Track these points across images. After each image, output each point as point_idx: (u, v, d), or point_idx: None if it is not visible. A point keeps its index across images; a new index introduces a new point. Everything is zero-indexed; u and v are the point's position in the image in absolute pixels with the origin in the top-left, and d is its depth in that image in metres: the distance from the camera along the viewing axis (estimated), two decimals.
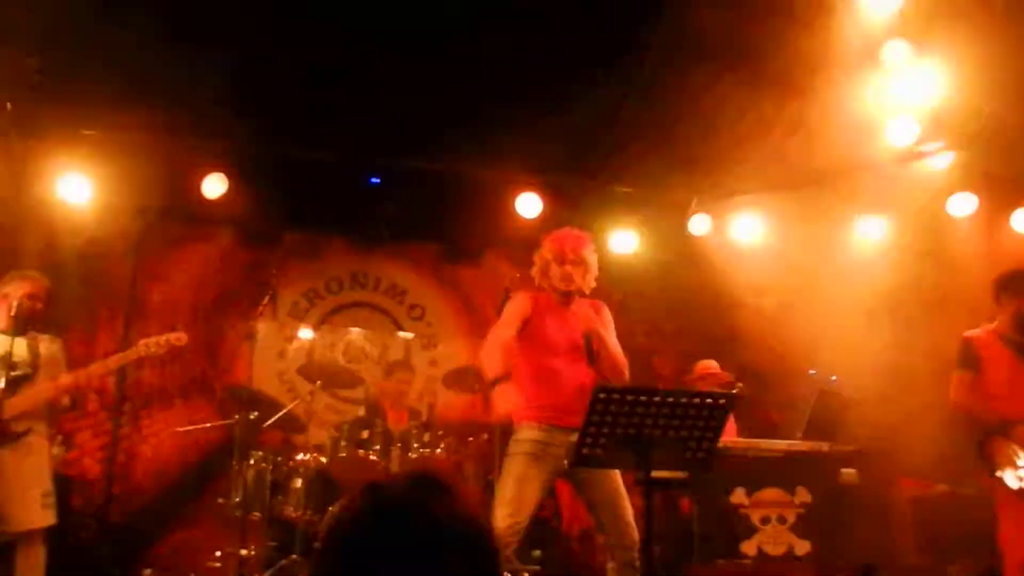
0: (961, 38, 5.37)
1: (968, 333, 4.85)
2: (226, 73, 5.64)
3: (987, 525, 4.74)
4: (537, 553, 6.27)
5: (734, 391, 6.18)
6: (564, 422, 3.89)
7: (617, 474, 3.96)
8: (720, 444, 5.37)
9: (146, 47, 5.65)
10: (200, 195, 6.74)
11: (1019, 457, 4.51)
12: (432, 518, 1.26)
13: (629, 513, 3.91)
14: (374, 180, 7.29)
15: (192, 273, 7.18)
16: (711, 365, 6.41)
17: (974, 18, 5.09)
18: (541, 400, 3.97)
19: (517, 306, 4.11)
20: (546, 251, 4.18)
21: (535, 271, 4.24)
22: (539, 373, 4.02)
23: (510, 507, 3.78)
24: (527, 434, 3.95)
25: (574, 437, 3.46)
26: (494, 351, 3.88)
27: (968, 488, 5.84)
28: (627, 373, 4.09)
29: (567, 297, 4.14)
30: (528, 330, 4.08)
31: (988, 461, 4.62)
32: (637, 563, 3.78)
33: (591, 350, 4.02)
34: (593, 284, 4.20)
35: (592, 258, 4.19)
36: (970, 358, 4.75)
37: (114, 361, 4.81)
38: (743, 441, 5.81)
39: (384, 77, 6.06)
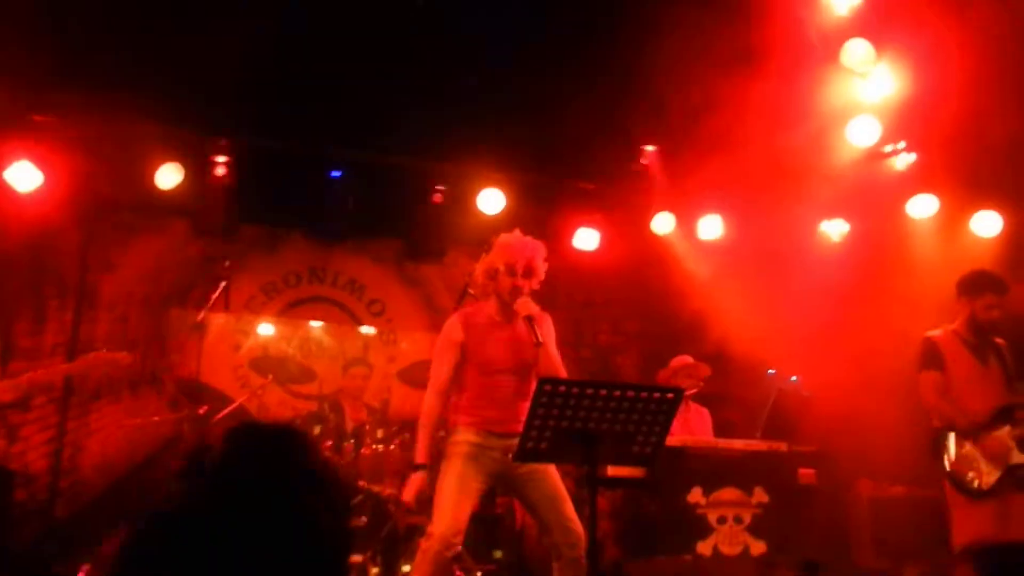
0: (921, 39, 5.37)
1: (929, 333, 4.87)
2: (183, 62, 5.52)
3: (943, 527, 4.74)
4: (499, 554, 6.19)
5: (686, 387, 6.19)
6: (501, 429, 3.89)
7: (556, 474, 3.93)
8: (678, 443, 5.42)
9: (100, 32, 5.54)
10: (153, 185, 6.59)
11: (977, 460, 4.52)
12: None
13: (571, 510, 3.86)
14: (335, 174, 7.16)
15: (145, 264, 7.02)
16: (686, 359, 6.39)
17: (933, 19, 5.09)
18: (478, 411, 3.95)
19: (448, 338, 4.02)
20: (497, 258, 4.01)
21: (480, 272, 4.11)
22: (479, 389, 3.98)
23: (452, 509, 3.77)
24: (463, 436, 3.94)
25: (512, 442, 3.47)
26: (430, 410, 3.96)
27: (926, 489, 5.84)
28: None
29: (509, 307, 3.99)
30: (466, 355, 4.01)
31: (940, 458, 4.63)
32: (583, 560, 3.71)
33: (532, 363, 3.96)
34: (536, 286, 4.07)
35: (543, 267, 4.06)
36: (934, 358, 4.76)
37: (58, 373, 4.94)
38: (701, 440, 5.78)
39: (347, 69, 5.98)
